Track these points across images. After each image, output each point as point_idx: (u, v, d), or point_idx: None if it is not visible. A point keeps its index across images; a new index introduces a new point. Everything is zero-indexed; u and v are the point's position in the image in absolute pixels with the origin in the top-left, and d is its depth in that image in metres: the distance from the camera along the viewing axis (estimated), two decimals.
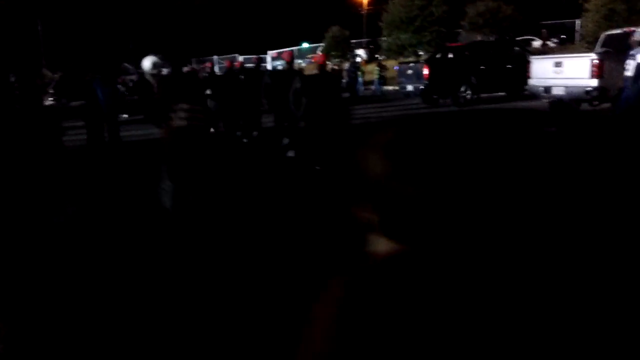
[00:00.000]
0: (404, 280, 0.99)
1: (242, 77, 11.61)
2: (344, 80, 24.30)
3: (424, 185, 0.96)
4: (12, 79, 24.02)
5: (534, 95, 14.46)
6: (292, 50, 14.36)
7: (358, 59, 26.89)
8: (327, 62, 8.80)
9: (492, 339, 1.03)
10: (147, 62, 8.79)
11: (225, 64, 13.66)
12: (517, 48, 18.69)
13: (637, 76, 9.45)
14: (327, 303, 1.01)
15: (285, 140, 9.52)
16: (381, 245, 1.01)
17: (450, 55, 17.89)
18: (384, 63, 25.08)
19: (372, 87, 24.67)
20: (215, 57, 48.42)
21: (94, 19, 47.74)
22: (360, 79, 24.18)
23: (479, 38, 24.32)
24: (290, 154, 9.42)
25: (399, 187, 0.96)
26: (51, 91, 26.45)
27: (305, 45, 49.45)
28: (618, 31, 13.49)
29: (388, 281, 0.98)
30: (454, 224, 1.00)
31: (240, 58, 36.91)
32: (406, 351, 0.96)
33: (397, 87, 21.73)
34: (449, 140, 1.00)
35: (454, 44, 22.50)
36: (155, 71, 7.53)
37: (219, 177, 6.79)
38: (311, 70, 8.37)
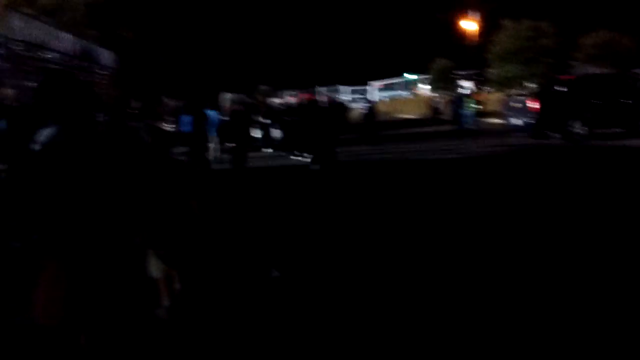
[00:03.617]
0: None
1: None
2: (450, 112, 23.91)
3: None
4: (134, 105, 25.89)
5: None
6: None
7: (466, 91, 26.41)
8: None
9: None
10: (227, 98, 10.92)
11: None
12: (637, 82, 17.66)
13: None
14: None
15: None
16: None
17: (563, 88, 17.20)
18: (475, 96, 24.59)
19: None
20: (317, 87, 49.75)
21: (211, 52, 50.97)
22: (466, 112, 23.71)
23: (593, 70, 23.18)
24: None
25: None
26: (171, 118, 28.38)
27: (408, 76, 49.53)
28: None
29: None
30: None
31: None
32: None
33: (502, 121, 21.23)
34: None
35: (566, 77, 21.68)
36: (233, 105, 9.78)
37: None
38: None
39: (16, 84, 13.05)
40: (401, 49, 51.69)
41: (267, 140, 18.27)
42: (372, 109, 18.06)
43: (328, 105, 12.95)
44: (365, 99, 35.88)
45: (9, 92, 15.69)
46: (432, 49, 41.40)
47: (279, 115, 16.81)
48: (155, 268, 4.01)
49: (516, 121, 18.47)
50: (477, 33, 35.03)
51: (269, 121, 17.97)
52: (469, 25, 35.77)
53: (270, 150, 17.82)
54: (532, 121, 17.13)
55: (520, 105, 18.45)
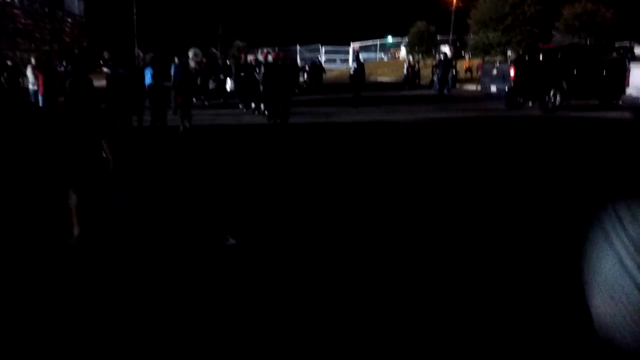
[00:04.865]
0: None
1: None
2: (435, 78, 23.37)
3: None
4: (107, 56, 25.32)
5: (630, 106, 13.44)
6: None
7: (444, 56, 25.83)
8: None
9: None
10: (190, 53, 11.03)
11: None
12: (615, 54, 17.45)
13: None
14: None
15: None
16: None
17: (541, 57, 16.89)
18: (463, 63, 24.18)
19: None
20: (298, 47, 48.92)
21: (186, 4, 49.35)
22: (446, 77, 23.24)
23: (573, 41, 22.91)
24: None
25: None
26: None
27: (389, 39, 48.84)
28: None
29: None
30: None
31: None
32: None
33: (478, 87, 20.99)
34: None
35: (545, 45, 21.37)
36: (196, 59, 10.05)
37: None
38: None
39: None
40: (384, 10, 50.88)
41: (221, 93, 18.77)
42: (359, 70, 17.58)
43: (288, 65, 13.76)
44: (346, 60, 35.01)
45: None
46: (414, 12, 40.79)
47: (236, 71, 16.88)
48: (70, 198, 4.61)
49: (492, 88, 18.23)
50: None
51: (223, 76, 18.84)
52: None
53: (223, 101, 18.46)
54: (508, 89, 16.89)
55: (497, 72, 18.19)
